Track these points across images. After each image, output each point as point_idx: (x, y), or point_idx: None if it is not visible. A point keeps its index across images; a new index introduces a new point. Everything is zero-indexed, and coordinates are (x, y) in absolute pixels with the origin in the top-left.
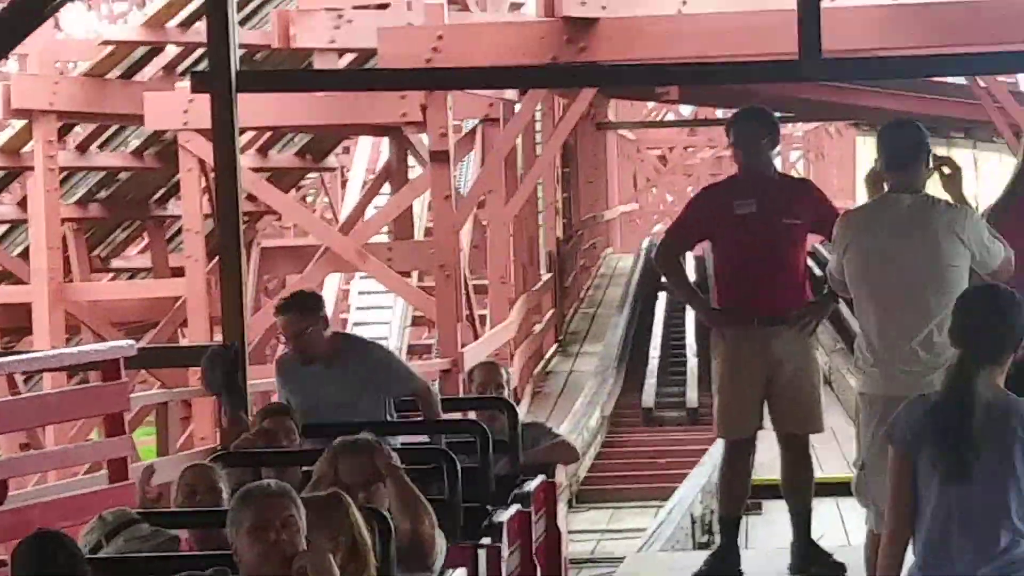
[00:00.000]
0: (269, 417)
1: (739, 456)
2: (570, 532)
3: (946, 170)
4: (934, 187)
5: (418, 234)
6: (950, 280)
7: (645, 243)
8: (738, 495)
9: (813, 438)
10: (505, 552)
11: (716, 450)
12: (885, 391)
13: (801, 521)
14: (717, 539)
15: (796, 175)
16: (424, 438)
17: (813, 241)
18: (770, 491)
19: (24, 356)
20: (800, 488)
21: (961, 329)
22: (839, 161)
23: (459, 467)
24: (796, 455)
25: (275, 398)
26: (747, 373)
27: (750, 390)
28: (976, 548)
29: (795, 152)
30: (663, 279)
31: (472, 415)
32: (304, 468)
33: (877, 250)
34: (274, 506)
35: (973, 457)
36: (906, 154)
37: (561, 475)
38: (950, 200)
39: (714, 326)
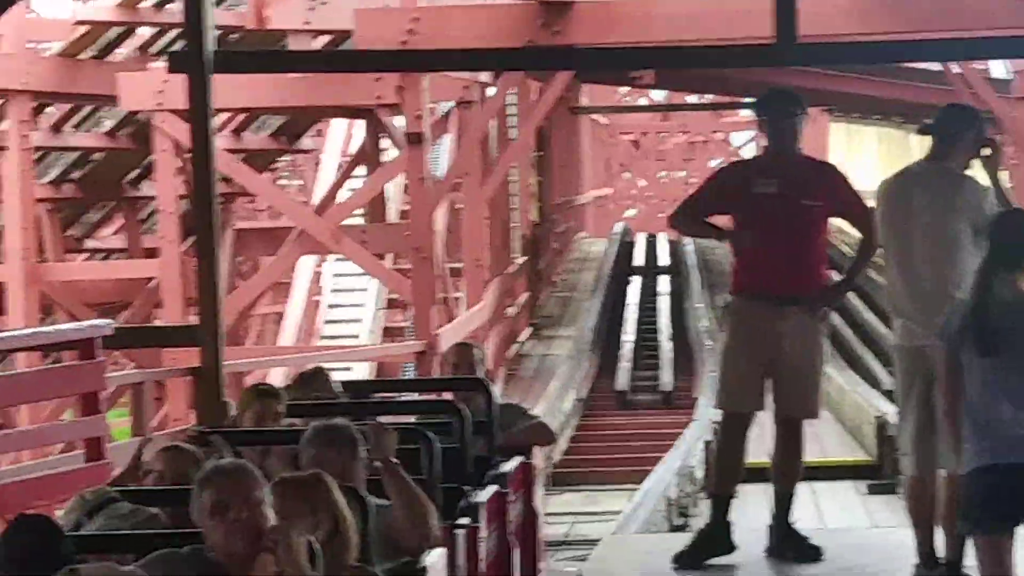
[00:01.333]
0: (258, 401)
1: (735, 432)
2: (545, 515)
3: (986, 152)
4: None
5: (392, 217)
6: (964, 246)
7: (618, 227)
8: (731, 472)
9: None
10: (483, 533)
11: (690, 433)
12: (911, 342)
13: (783, 505)
14: (693, 522)
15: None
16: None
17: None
18: (746, 475)
19: (3, 334)
20: (788, 472)
21: (988, 242)
22: (811, 147)
23: (437, 447)
24: (789, 438)
25: (249, 380)
26: (750, 349)
27: (752, 366)
28: (1014, 406)
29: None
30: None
31: (448, 396)
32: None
33: (904, 213)
34: (232, 485)
35: (993, 335)
36: (954, 133)
37: (538, 457)
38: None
39: (737, 245)
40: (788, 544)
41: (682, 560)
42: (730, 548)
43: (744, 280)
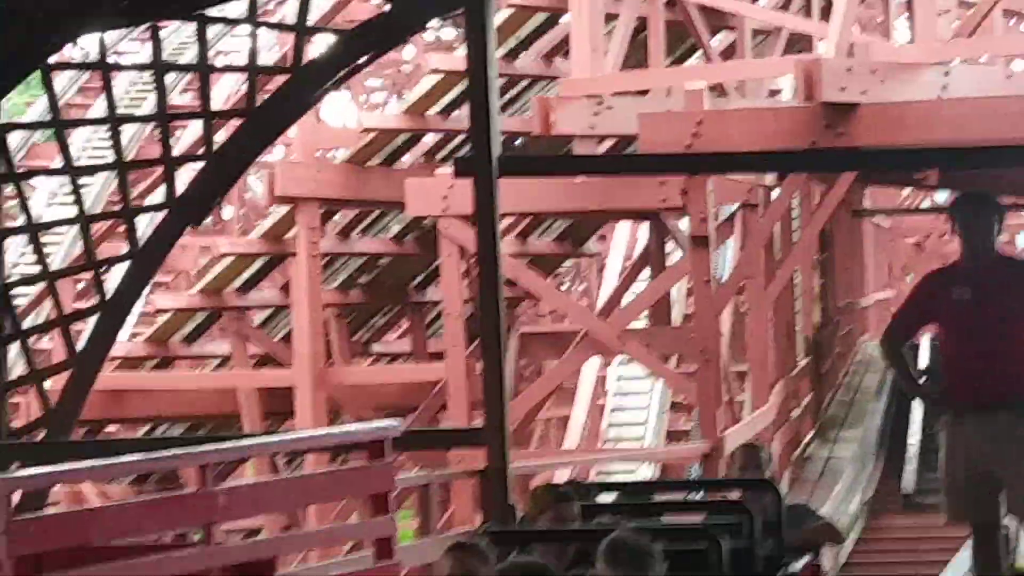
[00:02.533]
0: (557, 504)
1: (982, 541)
2: None
3: None
4: None
5: (676, 320)
6: None
7: None
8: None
9: None
10: None
11: None
12: None
13: None
14: None
15: None
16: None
17: None
18: None
19: (292, 436)
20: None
21: None
22: None
23: (726, 547)
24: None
25: (535, 481)
26: (964, 459)
27: (968, 474)
28: None
29: None
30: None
31: (734, 497)
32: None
33: None
34: None
35: None
36: None
37: (826, 557)
38: None
39: (931, 409)
40: None
41: None
42: None
43: (951, 392)
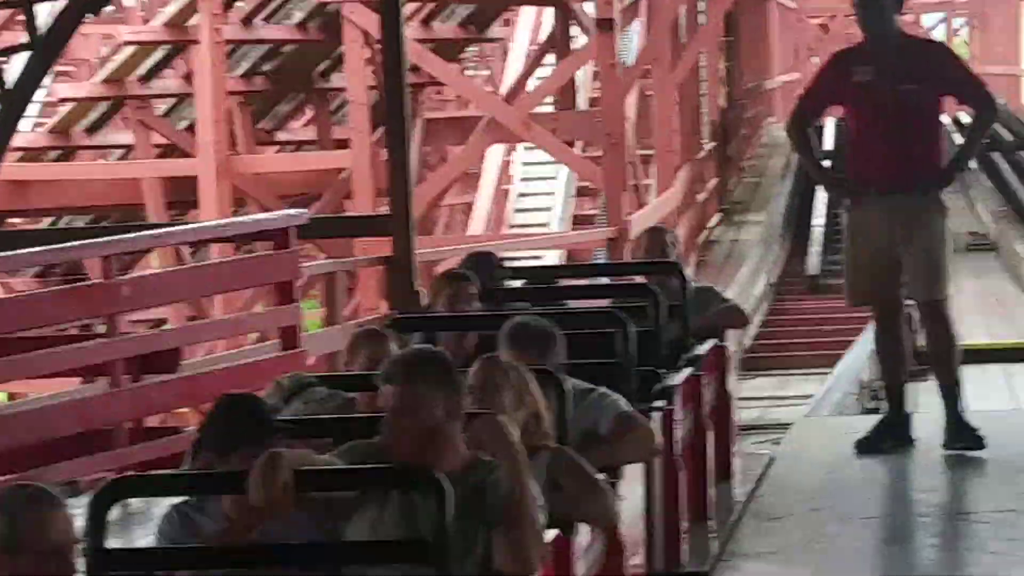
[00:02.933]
0: (452, 284)
1: (884, 323)
2: (738, 399)
3: None
4: None
5: (581, 105)
6: None
7: None
8: (893, 362)
9: (975, 304)
10: (678, 415)
11: None
12: None
13: (946, 395)
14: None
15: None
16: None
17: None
18: None
19: (196, 225)
20: (938, 359)
21: None
22: (1004, 26)
23: (632, 330)
24: (931, 324)
25: (440, 270)
26: (866, 241)
27: (870, 258)
28: None
29: (958, 19)
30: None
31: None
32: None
33: None
34: (408, 390)
35: None
36: None
37: (731, 341)
38: None
39: (833, 195)
40: (957, 436)
41: (862, 446)
42: (907, 440)
43: (854, 175)
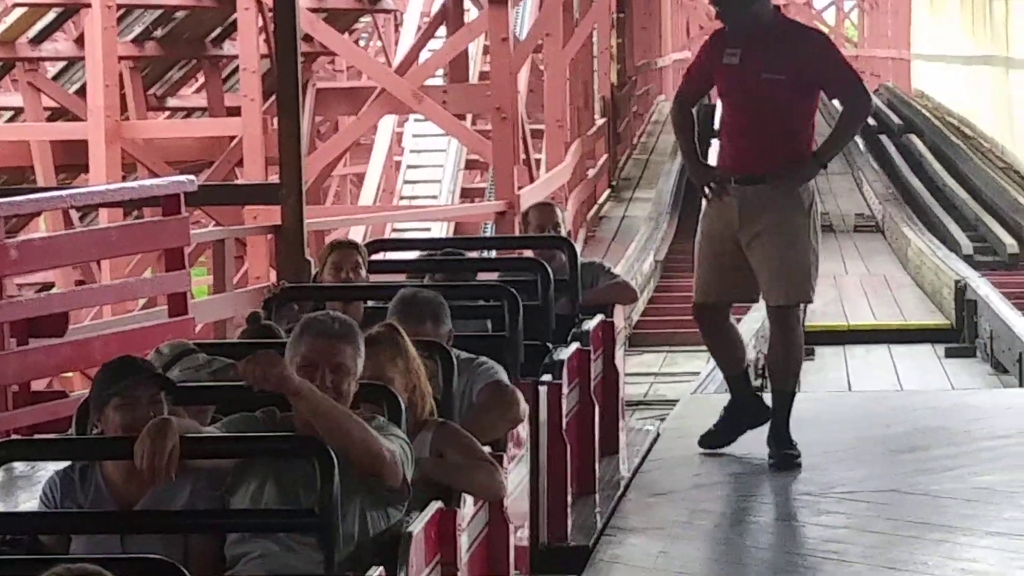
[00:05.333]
0: (336, 251)
1: (708, 323)
2: (625, 375)
3: None
4: None
5: (473, 78)
6: None
7: None
8: (726, 354)
9: (864, 283)
10: (565, 389)
11: None
12: None
13: (777, 402)
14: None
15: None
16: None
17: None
18: (824, 336)
19: (86, 189)
20: (775, 366)
21: None
22: (894, 9)
23: (520, 304)
24: (774, 329)
25: (330, 238)
26: (717, 235)
27: (718, 253)
28: None
29: (848, 2)
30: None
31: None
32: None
33: None
34: (327, 349)
35: None
36: None
37: (619, 316)
38: None
39: (695, 182)
40: (779, 445)
41: (712, 441)
42: (765, 414)
43: (719, 162)
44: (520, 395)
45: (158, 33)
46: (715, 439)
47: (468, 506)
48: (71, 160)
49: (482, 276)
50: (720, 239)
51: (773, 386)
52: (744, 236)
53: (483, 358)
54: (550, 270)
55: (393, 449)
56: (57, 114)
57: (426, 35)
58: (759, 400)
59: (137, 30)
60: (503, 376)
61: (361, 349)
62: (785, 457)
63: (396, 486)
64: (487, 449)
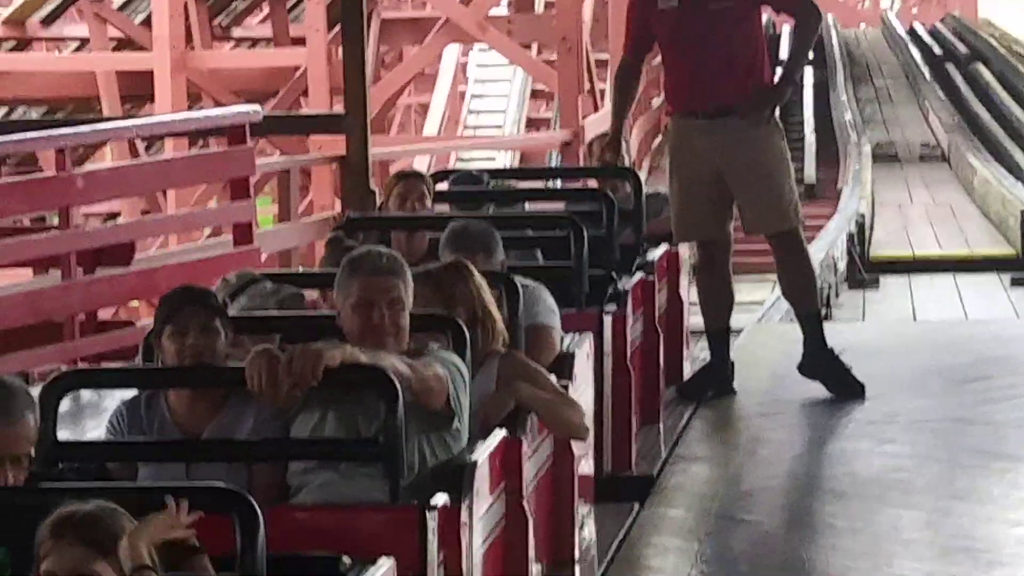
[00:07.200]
0: (402, 181)
1: (706, 262)
2: (689, 304)
3: None
4: None
5: (538, 7)
6: None
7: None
8: (716, 304)
9: (929, 212)
10: (630, 319)
11: (834, 224)
12: None
13: (807, 327)
14: (835, 312)
15: None
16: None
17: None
18: (889, 266)
19: (151, 120)
20: (795, 291)
21: None
22: None
23: (586, 234)
24: (783, 256)
25: (394, 168)
26: (692, 172)
27: (697, 189)
28: None
29: None
30: None
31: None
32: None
33: None
34: (381, 286)
35: None
36: None
37: (683, 246)
38: None
39: (605, 148)
40: (825, 372)
41: (683, 391)
42: (730, 389)
43: (673, 101)
44: (556, 337)
45: None
46: (684, 391)
47: (531, 435)
48: (136, 91)
49: (548, 206)
50: (692, 174)
51: (797, 312)
52: (720, 169)
53: (532, 284)
54: (614, 200)
55: (440, 374)
56: (122, 44)
57: None
58: (728, 371)
59: None
60: (550, 319)
61: (410, 281)
62: (839, 375)
63: (439, 408)
64: (552, 378)
